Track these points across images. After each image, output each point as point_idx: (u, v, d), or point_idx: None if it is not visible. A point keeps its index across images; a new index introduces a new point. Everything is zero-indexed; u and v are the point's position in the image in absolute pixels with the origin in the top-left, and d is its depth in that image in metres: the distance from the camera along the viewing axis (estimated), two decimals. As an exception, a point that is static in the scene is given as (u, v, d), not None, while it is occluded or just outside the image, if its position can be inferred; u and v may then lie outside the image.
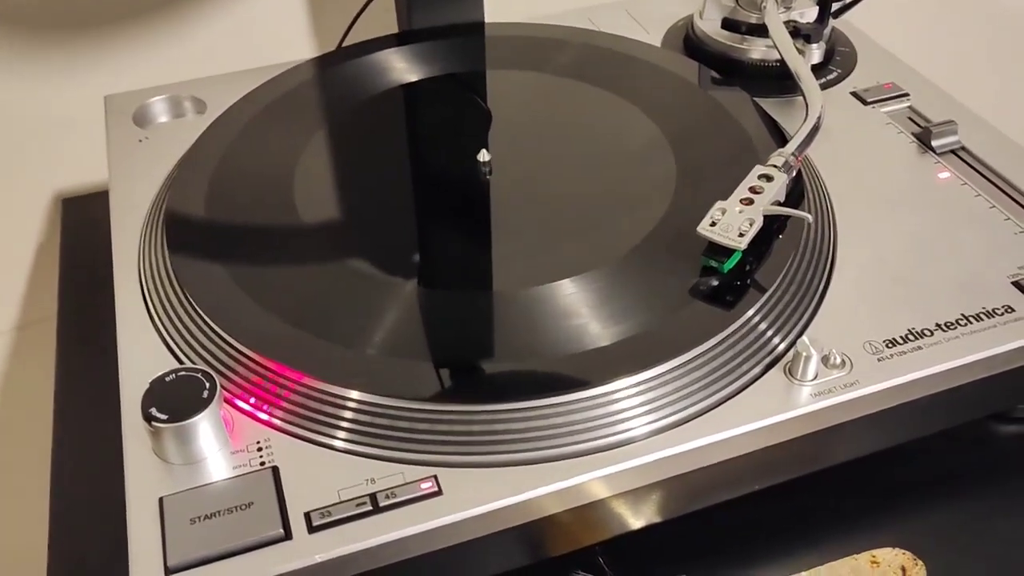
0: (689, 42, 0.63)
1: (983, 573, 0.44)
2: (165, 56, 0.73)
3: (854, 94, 0.59)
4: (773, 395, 0.41)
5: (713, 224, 0.44)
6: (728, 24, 0.59)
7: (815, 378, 0.41)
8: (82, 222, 0.71)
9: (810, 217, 0.44)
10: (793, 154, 0.47)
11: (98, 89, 0.70)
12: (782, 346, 0.42)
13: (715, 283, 0.44)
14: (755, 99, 0.56)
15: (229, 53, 0.74)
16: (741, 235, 0.43)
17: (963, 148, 0.54)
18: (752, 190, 0.45)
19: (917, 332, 0.43)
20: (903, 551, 0.44)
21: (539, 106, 0.58)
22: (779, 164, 0.46)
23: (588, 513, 0.39)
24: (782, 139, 0.52)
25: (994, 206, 0.50)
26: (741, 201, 0.44)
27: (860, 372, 0.41)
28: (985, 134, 0.55)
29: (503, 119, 0.57)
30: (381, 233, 0.49)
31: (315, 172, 0.53)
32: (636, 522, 0.42)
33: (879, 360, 0.42)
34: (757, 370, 0.42)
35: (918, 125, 0.56)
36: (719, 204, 0.44)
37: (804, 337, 0.41)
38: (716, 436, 0.40)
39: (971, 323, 0.43)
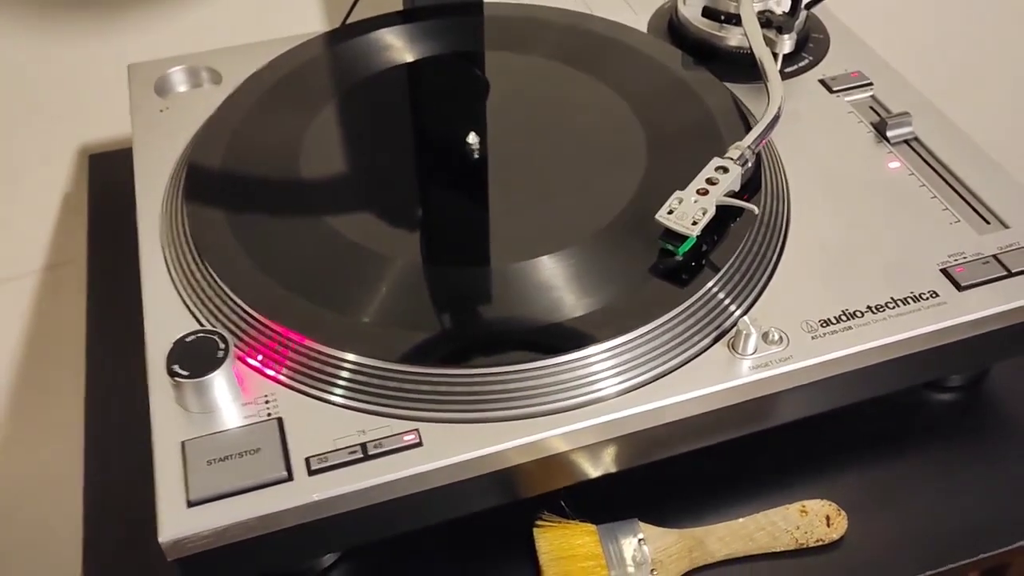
0: (672, 26, 0.67)
1: (895, 524, 0.50)
2: (184, 21, 0.78)
3: (822, 82, 0.63)
4: (718, 366, 0.46)
5: (670, 212, 0.49)
6: (708, 12, 0.64)
7: (754, 352, 0.47)
8: (107, 176, 0.77)
9: (757, 210, 0.49)
10: (750, 147, 0.52)
11: (122, 49, 0.75)
12: (728, 323, 0.48)
13: (672, 264, 0.49)
14: (731, 85, 0.61)
15: (244, 22, 0.79)
16: (694, 223, 0.48)
17: (916, 139, 0.58)
18: (709, 181, 0.50)
19: (850, 313, 0.49)
20: (829, 503, 0.51)
21: (526, 89, 0.63)
22: (735, 157, 0.51)
23: (553, 463, 0.45)
24: (748, 127, 0.57)
25: (935, 196, 0.55)
26: (698, 192, 0.50)
27: (795, 348, 0.47)
28: (939, 126, 0.59)
29: (491, 101, 0.62)
30: (378, 208, 0.55)
31: (321, 148, 0.58)
32: (595, 471, 0.48)
33: (813, 338, 0.47)
34: (704, 343, 0.47)
35: (877, 115, 0.60)
36: (677, 193, 0.50)
37: (746, 317, 0.47)
38: (666, 400, 0.45)
39: (898, 306, 0.49)
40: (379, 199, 0.55)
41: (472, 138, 0.57)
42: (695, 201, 0.49)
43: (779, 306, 0.49)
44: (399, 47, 0.65)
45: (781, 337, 0.47)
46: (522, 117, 0.61)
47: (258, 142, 0.58)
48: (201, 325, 0.48)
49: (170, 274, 0.52)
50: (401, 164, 0.58)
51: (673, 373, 0.46)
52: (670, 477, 0.51)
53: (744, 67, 0.63)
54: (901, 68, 0.64)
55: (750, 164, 0.52)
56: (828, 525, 0.50)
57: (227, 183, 0.55)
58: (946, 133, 0.59)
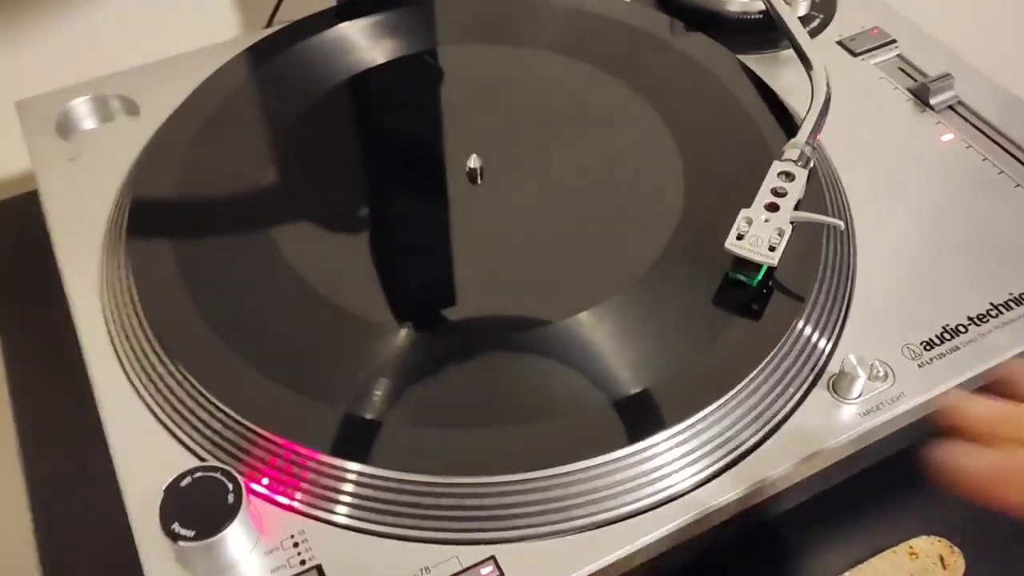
0: (661, -8, 0.59)
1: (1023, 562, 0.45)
2: (60, 37, 0.65)
3: (841, 44, 0.56)
4: (823, 419, 0.39)
5: (740, 237, 0.41)
6: (707, -24, 0.55)
7: (860, 395, 0.40)
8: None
9: (842, 225, 0.42)
10: (807, 143, 0.44)
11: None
12: (820, 362, 0.41)
13: (745, 300, 0.42)
14: (740, 59, 0.53)
15: (134, 36, 0.65)
16: (771, 248, 0.41)
17: (960, 103, 0.52)
18: (775, 192, 0.42)
19: (951, 329, 0.42)
20: (939, 539, 0.45)
21: (519, 90, 0.53)
22: (795, 158, 0.44)
23: (648, 562, 0.38)
24: (784, 112, 0.50)
25: (1002, 171, 0.48)
26: (766, 207, 0.42)
27: (904, 383, 0.40)
28: (979, 84, 0.53)
29: (476, 110, 0.52)
30: (376, 265, 0.45)
31: (291, 187, 0.48)
32: (690, 556, 0.40)
33: (920, 366, 0.41)
34: (800, 392, 0.40)
35: (911, 78, 0.54)
36: (744, 213, 0.42)
37: (851, 356, 0.39)
38: (777, 470, 0.38)
39: (1002, 312, 0.43)
40: (374, 251, 0.46)
41: (473, 161, 0.47)
42: (766, 220, 0.41)
43: (870, 332, 0.42)
44: (357, 49, 0.55)
45: (886, 372, 0.40)
46: (524, 126, 0.51)
47: (212, 191, 0.47)
48: (183, 444, 0.39)
49: (129, 380, 0.41)
50: (388, 201, 0.49)
51: (775, 436, 0.39)
52: (752, 535, 0.44)
53: (749, 33, 0.56)
54: (914, 17, 0.58)
55: (812, 163, 0.44)
56: (943, 567, 0.44)
57: (183, 252, 0.44)
58: (989, 91, 0.53)
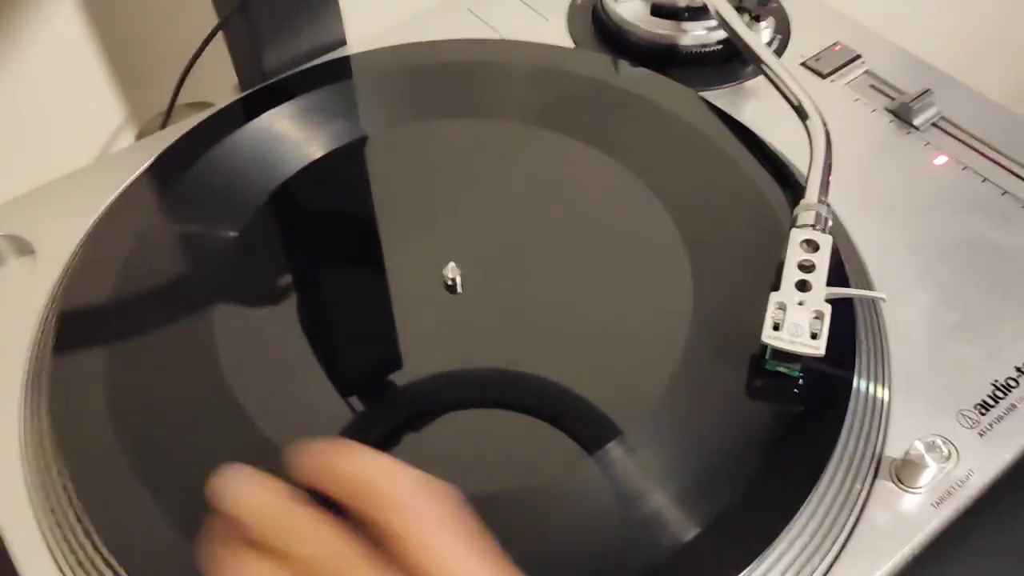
0: (602, 29, 0.54)
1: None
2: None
3: (807, 66, 0.52)
4: (890, 515, 0.36)
5: (776, 327, 0.37)
6: (661, 11, 0.50)
7: (928, 481, 0.36)
8: None
9: (885, 297, 0.38)
10: (820, 200, 0.41)
11: None
12: (878, 446, 0.37)
13: (790, 395, 0.37)
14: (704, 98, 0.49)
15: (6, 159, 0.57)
16: (814, 336, 0.36)
17: (943, 118, 0.49)
18: (802, 267, 0.38)
19: (1002, 385, 0.39)
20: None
21: (485, 169, 0.47)
22: (813, 222, 0.40)
23: None
24: (770, 158, 0.46)
25: (1006, 192, 0.46)
26: (796, 287, 0.38)
27: (969, 459, 0.37)
28: (956, 96, 0.50)
29: (437, 201, 0.46)
30: (358, 415, 0.39)
31: (241, 337, 0.41)
32: None
33: (980, 435, 0.38)
34: (867, 487, 0.36)
35: (886, 95, 0.50)
36: (775, 297, 0.37)
37: (917, 441, 0.36)
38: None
39: (1048, 358, 0.40)
40: (355, 398, 0.39)
41: (450, 270, 0.41)
42: (800, 303, 0.37)
43: (918, 404, 0.39)
44: (286, 144, 0.48)
45: (949, 452, 0.37)
46: (496, 215, 0.45)
47: (147, 357, 0.40)
48: None
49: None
50: (359, 327, 0.42)
51: (847, 549, 0.35)
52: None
53: (706, 67, 0.52)
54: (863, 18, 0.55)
55: (831, 222, 0.40)
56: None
57: (125, 436, 0.37)
58: (969, 102, 0.50)
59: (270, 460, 0.34)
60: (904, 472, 0.36)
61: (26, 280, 0.44)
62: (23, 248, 0.46)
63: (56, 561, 0.35)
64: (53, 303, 0.42)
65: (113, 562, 0.34)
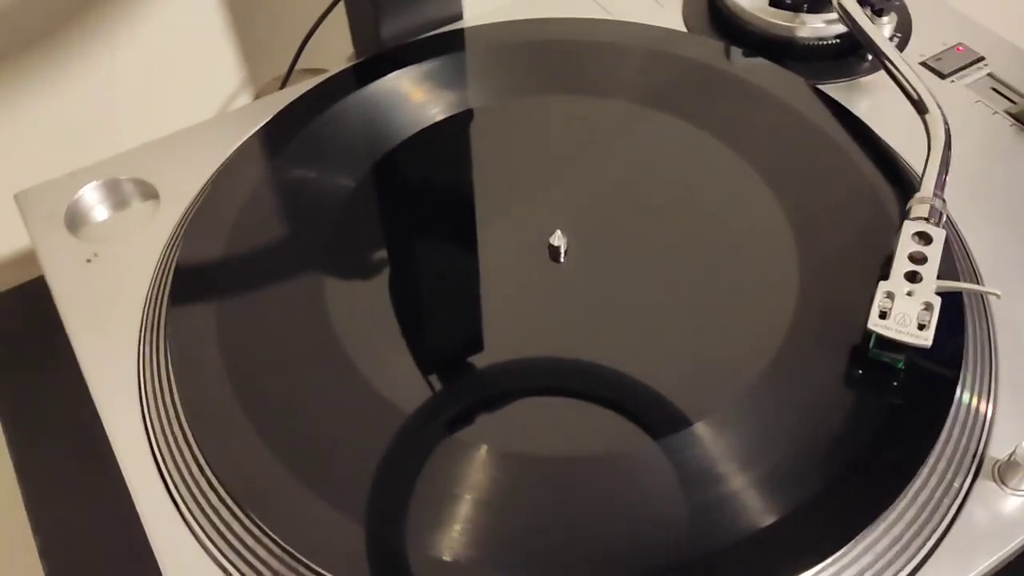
0: (718, 17, 0.54)
1: None
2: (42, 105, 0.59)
3: (926, 65, 0.51)
4: (992, 517, 0.35)
5: (883, 315, 0.36)
6: (781, 1, 0.50)
7: (1031, 482, 0.35)
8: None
9: (999, 294, 0.37)
10: (937, 195, 0.40)
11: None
12: (981, 444, 0.37)
13: (893, 385, 0.37)
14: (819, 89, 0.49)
15: (140, 110, 0.59)
16: (921, 327, 0.36)
17: (1067, 125, 0.48)
18: (913, 259, 0.38)
19: (1115, 394, 0.38)
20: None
21: (590, 147, 0.48)
22: (926, 215, 0.39)
23: None
24: (885, 153, 0.45)
25: None
26: (906, 277, 0.37)
27: (1078, 464, 0.36)
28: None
29: (544, 174, 0.47)
30: (455, 381, 0.39)
31: (354, 296, 0.42)
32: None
33: (1090, 441, 0.37)
34: (966, 485, 0.36)
35: (1007, 99, 0.49)
36: (883, 286, 0.37)
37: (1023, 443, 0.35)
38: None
39: None
40: (455, 365, 0.40)
41: (556, 238, 0.42)
42: (909, 293, 0.37)
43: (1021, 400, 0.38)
44: (403, 106, 0.49)
45: (1056, 454, 0.36)
46: (605, 191, 0.46)
47: (262, 294, 0.42)
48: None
49: (176, 504, 0.36)
50: (462, 297, 0.43)
51: (942, 547, 0.34)
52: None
53: (823, 61, 0.51)
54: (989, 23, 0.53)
55: (947, 217, 0.40)
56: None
57: (233, 366, 0.39)
58: (1095, 109, 0.48)
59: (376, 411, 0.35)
60: (1008, 473, 0.35)
61: (149, 223, 0.46)
62: (148, 192, 0.48)
63: (169, 491, 0.37)
64: (174, 244, 0.44)
65: (222, 491, 0.35)
